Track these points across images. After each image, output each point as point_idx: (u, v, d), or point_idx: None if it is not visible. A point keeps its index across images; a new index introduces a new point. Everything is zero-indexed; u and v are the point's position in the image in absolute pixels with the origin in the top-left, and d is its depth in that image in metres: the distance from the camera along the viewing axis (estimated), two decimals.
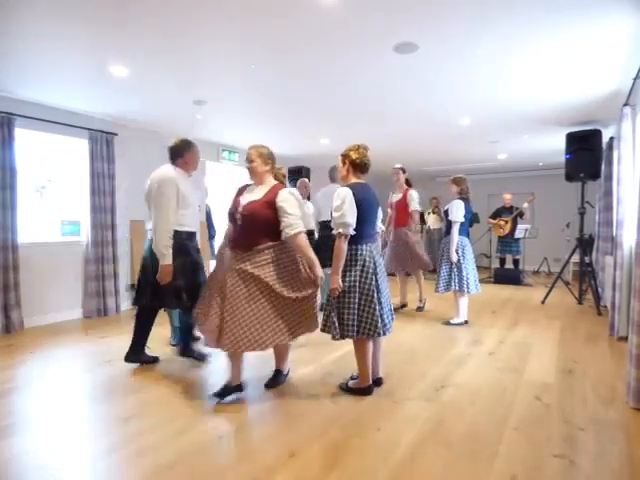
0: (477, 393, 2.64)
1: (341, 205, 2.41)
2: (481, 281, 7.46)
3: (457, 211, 4.12)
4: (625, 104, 3.77)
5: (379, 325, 2.46)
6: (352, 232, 2.44)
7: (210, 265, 6.21)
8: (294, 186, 5.04)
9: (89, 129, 4.76)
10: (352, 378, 2.71)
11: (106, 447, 2.01)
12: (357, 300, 2.47)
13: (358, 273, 2.48)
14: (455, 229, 4.15)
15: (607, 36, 2.88)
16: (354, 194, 2.44)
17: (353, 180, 2.57)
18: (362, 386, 2.59)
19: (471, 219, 4.45)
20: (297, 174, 6.48)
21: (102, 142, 4.87)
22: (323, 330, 2.56)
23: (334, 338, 2.50)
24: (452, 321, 4.40)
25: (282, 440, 2.06)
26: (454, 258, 4.15)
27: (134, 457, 1.92)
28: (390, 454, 1.94)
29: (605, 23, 2.71)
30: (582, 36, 2.89)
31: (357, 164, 2.55)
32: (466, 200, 4.23)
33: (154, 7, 2.52)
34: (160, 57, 3.25)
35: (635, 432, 2.15)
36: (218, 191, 7.14)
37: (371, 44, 3.03)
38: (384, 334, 2.53)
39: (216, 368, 3.15)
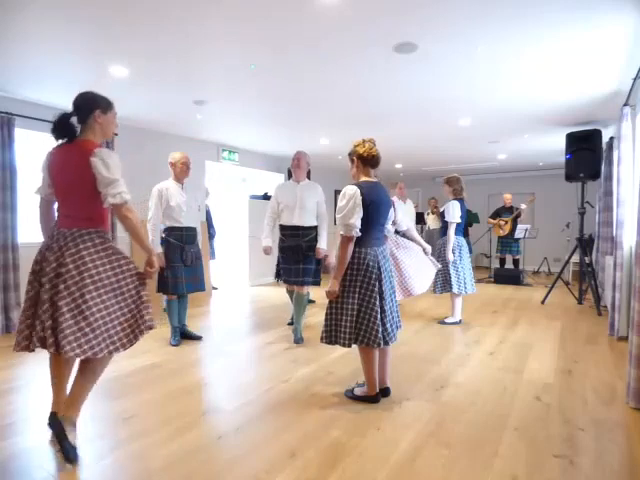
0: (477, 393, 2.63)
1: (345, 205, 2.30)
2: (481, 281, 7.59)
3: (454, 212, 4.15)
4: (625, 104, 3.77)
5: (379, 334, 2.34)
6: (357, 234, 2.32)
7: (210, 264, 6.22)
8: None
9: None
10: (358, 385, 2.65)
11: (106, 447, 2.01)
12: (356, 307, 2.37)
13: (360, 278, 2.37)
14: (451, 230, 4.18)
15: (607, 36, 2.88)
16: (362, 194, 2.31)
17: (363, 178, 2.44)
18: (368, 394, 2.51)
19: (468, 219, 4.47)
20: None
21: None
22: (322, 339, 2.48)
23: (321, 340, 2.47)
24: (447, 320, 4.42)
25: (282, 440, 2.06)
26: (450, 258, 4.18)
27: (134, 457, 1.92)
28: (390, 454, 1.93)
29: (605, 23, 2.71)
30: (582, 36, 2.89)
31: (365, 158, 2.41)
32: (461, 200, 4.26)
33: (154, 7, 2.52)
34: (160, 57, 3.25)
35: (635, 432, 2.15)
36: (218, 191, 7.14)
37: (371, 44, 3.03)
38: (386, 344, 2.40)
39: (216, 368, 3.16)
